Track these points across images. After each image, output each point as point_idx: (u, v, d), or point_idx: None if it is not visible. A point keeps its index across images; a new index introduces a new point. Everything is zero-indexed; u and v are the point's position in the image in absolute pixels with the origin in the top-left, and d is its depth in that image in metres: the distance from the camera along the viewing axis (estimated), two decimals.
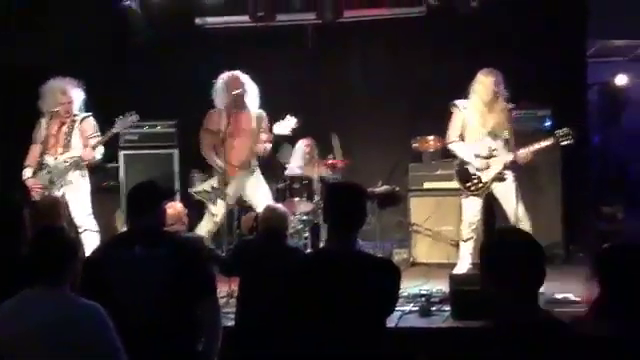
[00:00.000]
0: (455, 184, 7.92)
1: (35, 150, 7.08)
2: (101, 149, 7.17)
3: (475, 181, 6.98)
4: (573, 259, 7.83)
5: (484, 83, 6.91)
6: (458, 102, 7.09)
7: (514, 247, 2.89)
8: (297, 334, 3.44)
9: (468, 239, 7.08)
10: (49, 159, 7.04)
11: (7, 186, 7.51)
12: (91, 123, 7.17)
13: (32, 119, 7.24)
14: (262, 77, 7.61)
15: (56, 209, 5.93)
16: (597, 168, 8.85)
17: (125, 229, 4.60)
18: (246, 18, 8.44)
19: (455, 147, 7.13)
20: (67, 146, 7.07)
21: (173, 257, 3.89)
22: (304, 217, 7.82)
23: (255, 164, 7.42)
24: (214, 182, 7.27)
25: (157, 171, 8.30)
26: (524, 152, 6.81)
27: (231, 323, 5.02)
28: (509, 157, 6.82)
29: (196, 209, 7.35)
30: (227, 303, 5.75)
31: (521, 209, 6.78)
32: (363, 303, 3.34)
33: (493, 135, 6.90)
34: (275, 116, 7.60)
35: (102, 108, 7.37)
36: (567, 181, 8.03)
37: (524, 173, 7.10)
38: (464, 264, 7.10)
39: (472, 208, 7.05)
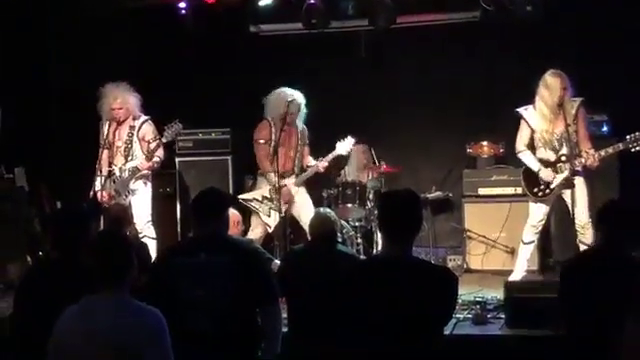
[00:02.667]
0: (511, 190, 7.92)
1: (102, 155, 7.15)
2: (161, 153, 7.25)
3: (542, 187, 6.81)
4: None
5: (551, 86, 6.66)
6: (522, 110, 6.89)
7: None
8: (352, 340, 3.45)
9: (529, 242, 6.96)
10: (115, 169, 7.14)
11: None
12: (150, 127, 7.27)
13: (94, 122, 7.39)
14: (316, 84, 7.64)
15: (125, 216, 6.05)
16: None
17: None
18: (300, 25, 8.47)
19: (523, 157, 6.94)
20: (129, 155, 7.18)
21: (237, 264, 3.95)
22: (356, 223, 7.82)
23: (299, 175, 7.49)
24: (265, 192, 7.33)
25: (211, 177, 8.37)
26: (592, 157, 6.57)
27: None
28: (577, 162, 6.59)
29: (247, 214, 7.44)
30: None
31: (585, 216, 6.62)
32: (420, 310, 3.33)
33: (562, 139, 6.69)
34: (329, 123, 7.67)
35: (158, 116, 7.44)
36: (624, 188, 7.88)
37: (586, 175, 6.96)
38: (520, 270, 7.02)
39: (539, 212, 6.88)
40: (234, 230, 5.77)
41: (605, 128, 7.96)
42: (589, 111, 7.48)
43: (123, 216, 6.06)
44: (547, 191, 6.79)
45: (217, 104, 8.90)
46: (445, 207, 8.85)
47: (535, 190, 6.85)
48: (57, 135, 8.90)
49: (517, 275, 6.98)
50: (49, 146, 8.85)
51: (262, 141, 7.37)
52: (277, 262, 6.41)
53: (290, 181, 7.38)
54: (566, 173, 6.63)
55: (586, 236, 6.64)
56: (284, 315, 4.87)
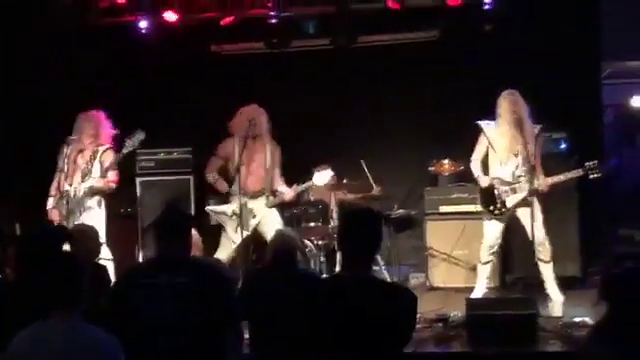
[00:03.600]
0: (472, 207, 7.96)
1: (58, 178, 7.10)
2: (113, 176, 7.16)
3: (499, 205, 6.88)
4: (590, 282, 7.75)
5: (502, 106, 6.83)
6: (482, 123, 7.01)
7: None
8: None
9: (487, 262, 6.99)
10: (68, 188, 7.07)
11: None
12: (111, 155, 7.18)
13: (54, 146, 7.31)
14: (277, 103, 7.65)
15: (89, 237, 5.90)
16: (613, 191, 8.78)
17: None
18: (261, 45, 8.48)
19: (472, 165, 7.09)
20: (86, 175, 7.10)
21: (199, 284, 3.90)
22: (319, 242, 7.81)
23: (270, 197, 7.46)
24: (235, 207, 7.29)
25: (173, 197, 8.30)
26: (550, 181, 6.72)
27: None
28: (535, 184, 6.68)
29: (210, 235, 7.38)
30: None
31: (542, 233, 6.72)
32: (379, 331, 3.32)
33: (518, 159, 6.80)
34: (290, 142, 7.68)
35: (118, 135, 7.37)
36: (584, 204, 7.99)
37: (540, 197, 7.07)
38: (481, 288, 7.06)
39: (494, 231, 6.94)
40: (195, 251, 5.70)
41: (563, 145, 8.06)
42: (548, 129, 7.62)
43: (86, 237, 5.86)
44: (503, 209, 6.86)
45: (179, 123, 8.86)
46: (407, 225, 8.87)
47: (491, 208, 6.91)
48: (18, 155, 8.78)
49: (478, 294, 7.02)
50: (9, 166, 8.73)
51: (218, 154, 7.50)
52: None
53: (260, 202, 7.36)
54: (524, 193, 6.72)
55: (543, 253, 6.73)
56: (246, 336, 4.86)
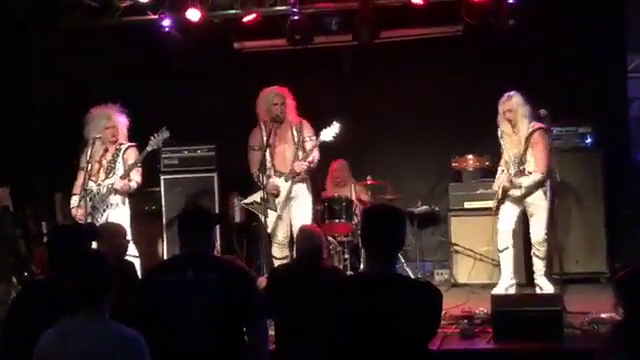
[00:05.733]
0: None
1: (81, 177, 7.16)
2: (137, 177, 7.21)
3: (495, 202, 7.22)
4: None
5: (499, 109, 7.06)
6: (499, 129, 7.20)
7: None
8: (339, 357, 3.43)
9: (504, 249, 7.13)
10: (92, 184, 7.11)
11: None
12: (135, 152, 7.22)
13: (77, 147, 7.35)
14: (300, 99, 7.64)
15: (118, 234, 5.89)
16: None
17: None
18: (284, 41, 8.48)
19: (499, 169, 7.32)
20: (110, 172, 7.15)
21: (224, 282, 3.91)
22: (344, 239, 7.80)
23: (303, 177, 7.43)
24: (262, 194, 7.31)
25: (197, 195, 8.34)
26: (508, 184, 6.94)
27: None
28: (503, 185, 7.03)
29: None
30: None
31: (542, 233, 6.93)
32: (404, 327, 3.31)
33: (516, 159, 6.96)
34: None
35: (141, 133, 7.41)
36: (610, 199, 7.92)
37: (566, 192, 7.04)
38: (505, 279, 7.07)
39: (506, 216, 7.12)
40: None
41: (589, 140, 8.00)
42: (573, 122, 7.58)
43: (111, 232, 5.82)
44: (493, 209, 7.20)
45: (202, 121, 8.88)
46: (431, 221, 8.86)
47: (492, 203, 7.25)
48: (41, 154, 8.85)
49: (502, 284, 7.05)
50: (33, 166, 8.80)
51: (256, 147, 7.40)
52: (262, 279, 6.37)
53: (279, 179, 7.36)
54: (499, 191, 7.06)
55: (540, 251, 7.00)
56: (271, 332, 4.86)
